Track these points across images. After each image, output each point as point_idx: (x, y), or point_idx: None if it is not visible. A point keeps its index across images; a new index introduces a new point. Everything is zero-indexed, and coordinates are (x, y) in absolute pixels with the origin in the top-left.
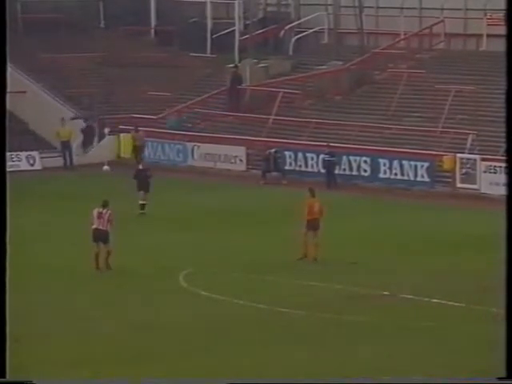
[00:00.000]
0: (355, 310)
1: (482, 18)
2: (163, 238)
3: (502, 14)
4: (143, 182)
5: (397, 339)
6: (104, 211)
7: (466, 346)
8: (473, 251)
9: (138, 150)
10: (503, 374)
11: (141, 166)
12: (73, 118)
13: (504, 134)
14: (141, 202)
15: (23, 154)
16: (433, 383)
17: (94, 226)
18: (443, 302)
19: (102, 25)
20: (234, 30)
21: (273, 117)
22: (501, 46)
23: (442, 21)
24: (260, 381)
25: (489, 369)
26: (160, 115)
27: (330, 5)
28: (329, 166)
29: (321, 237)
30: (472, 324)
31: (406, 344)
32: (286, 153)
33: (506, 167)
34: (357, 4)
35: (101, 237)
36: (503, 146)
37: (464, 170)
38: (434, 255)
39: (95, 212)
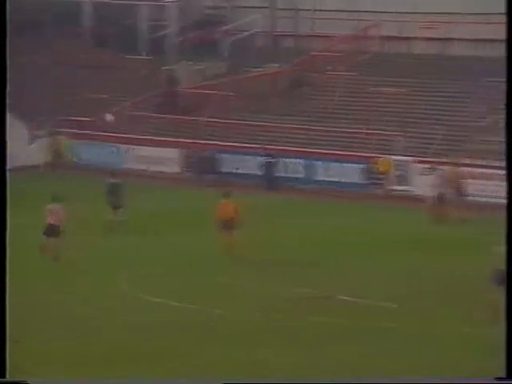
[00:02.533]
0: (295, 312)
1: (415, 22)
2: (102, 242)
3: (434, 17)
4: (118, 197)
5: (345, 340)
6: (55, 207)
7: (412, 346)
8: (410, 252)
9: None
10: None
11: (112, 180)
12: None
13: (436, 136)
14: (116, 219)
15: None
16: (433, 383)
17: (48, 221)
18: (383, 303)
19: (39, 26)
20: (170, 32)
21: (209, 119)
22: (433, 48)
23: (378, 24)
24: (259, 381)
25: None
26: (95, 117)
27: (266, 7)
28: (268, 168)
29: (237, 237)
30: (421, 325)
31: (357, 345)
32: (222, 155)
33: (506, 168)
34: (293, 7)
35: (53, 231)
36: (437, 148)
37: (398, 172)
38: (373, 256)
39: (48, 208)
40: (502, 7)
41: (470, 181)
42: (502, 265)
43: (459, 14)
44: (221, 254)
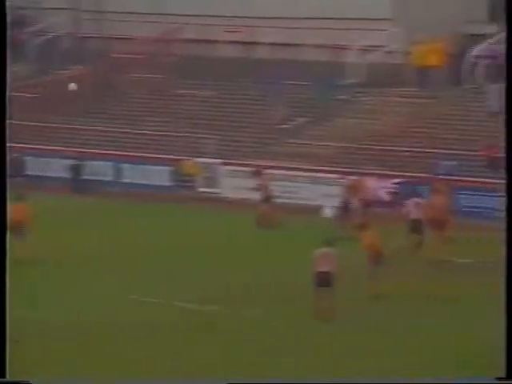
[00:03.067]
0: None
1: (220, 25)
2: None
3: (239, 21)
4: None
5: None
6: None
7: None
8: (224, 253)
9: None
10: None
11: None
12: None
13: (244, 139)
14: None
15: None
16: (433, 383)
17: None
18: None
19: None
20: None
21: (13, 121)
22: (237, 52)
23: (183, 26)
24: (259, 381)
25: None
26: None
27: (72, 9)
28: (75, 170)
29: (29, 240)
30: (238, 327)
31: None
32: (28, 157)
33: (505, 168)
34: (98, 9)
35: None
36: (243, 151)
37: (206, 175)
38: (185, 257)
39: None
40: (308, 11)
41: (278, 183)
42: (322, 267)
43: (263, 18)
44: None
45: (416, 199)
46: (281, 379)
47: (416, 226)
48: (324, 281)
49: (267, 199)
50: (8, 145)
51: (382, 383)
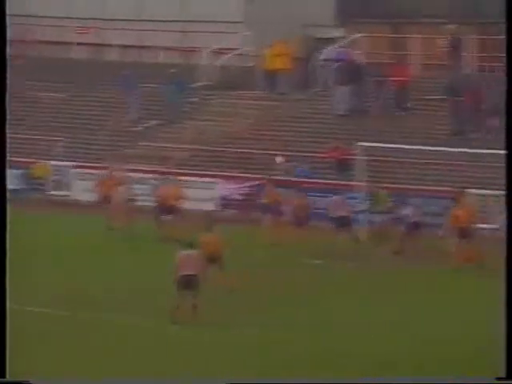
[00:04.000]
0: None
1: (71, 26)
2: None
3: (90, 22)
4: None
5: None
6: None
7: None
8: (72, 255)
9: None
10: None
11: None
12: None
13: (96, 141)
14: None
15: None
16: (433, 383)
17: None
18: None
19: None
20: None
21: None
22: (89, 53)
23: (34, 27)
24: (260, 381)
25: None
26: None
27: None
28: None
29: None
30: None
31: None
32: None
33: (506, 168)
34: None
35: None
36: (94, 153)
37: (56, 177)
38: (22, 263)
39: None
40: (160, 14)
41: (129, 185)
42: (185, 270)
43: (114, 20)
44: None
45: (339, 197)
46: (280, 379)
47: (343, 223)
48: (188, 283)
49: (117, 201)
50: None
51: (381, 383)
